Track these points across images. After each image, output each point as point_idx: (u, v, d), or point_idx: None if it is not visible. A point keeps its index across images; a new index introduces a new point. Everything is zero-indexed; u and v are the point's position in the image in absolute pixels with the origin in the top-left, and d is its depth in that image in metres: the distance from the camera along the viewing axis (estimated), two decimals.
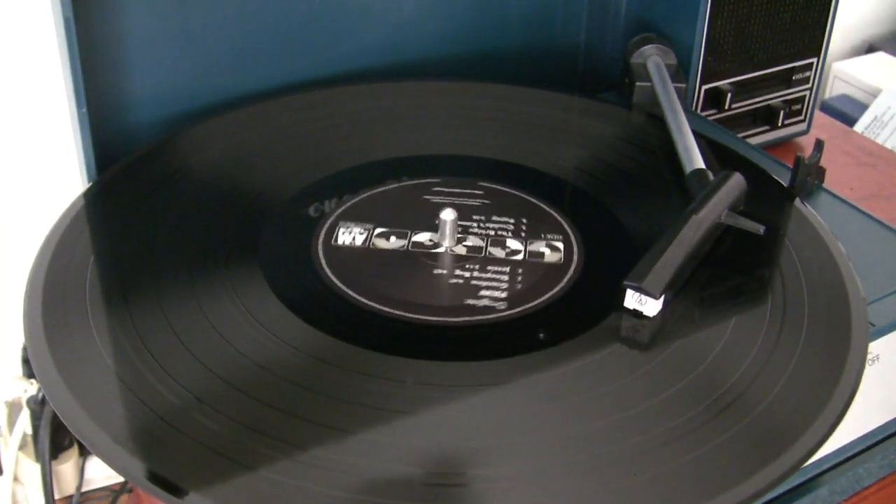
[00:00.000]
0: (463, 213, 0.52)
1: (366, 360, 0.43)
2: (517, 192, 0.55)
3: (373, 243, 0.50)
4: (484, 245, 0.50)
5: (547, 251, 0.50)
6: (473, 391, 0.42)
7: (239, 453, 0.38)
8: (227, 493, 0.36)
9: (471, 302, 0.46)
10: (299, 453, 0.38)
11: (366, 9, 0.65)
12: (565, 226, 0.52)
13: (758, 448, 0.39)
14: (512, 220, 0.52)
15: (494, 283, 0.47)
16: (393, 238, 0.51)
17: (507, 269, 0.49)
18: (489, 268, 0.49)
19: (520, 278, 0.48)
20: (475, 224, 0.52)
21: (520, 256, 0.49)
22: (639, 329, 0.45)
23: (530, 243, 0.50)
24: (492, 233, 0.51)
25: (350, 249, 0.50)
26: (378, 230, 0.51)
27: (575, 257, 0.50)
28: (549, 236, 0.50)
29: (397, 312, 0.46)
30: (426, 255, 0.50)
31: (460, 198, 0.54)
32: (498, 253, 0.50)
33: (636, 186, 0.57)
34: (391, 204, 0.54)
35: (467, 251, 0.50)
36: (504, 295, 0.47)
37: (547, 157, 0.59)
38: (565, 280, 0.48)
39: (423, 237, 0.51)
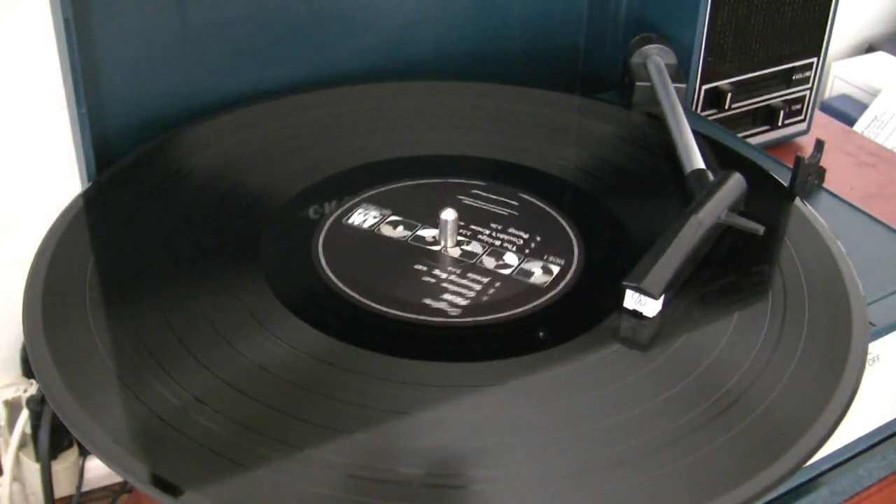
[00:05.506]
0: (483, 218, 0.52)
1: (365, 361, 0.43)
2: (549, 209, 0.53)
3: (379, 229, 0.51)
4: (481, 253, 0.50)
5: (538, 272, 0.48)
6: (473, 392, 0.42)
7: (238, 454, 0.38)
8: (225, 494, 0.36)
9: (427, 301, 0.46)
10: (297, 454, 0.38)
11: (366, 9, 0.65)
12: (574, 247, 0.51)
13: (758, 448, 0.39)
14: (526, 236, 0.51)
15: (462, 290, 0.47)
16: (400, 228, 0.51)
17: (487, 280, 0.48)
18: (469, 275, 0.48)
19: (491, 291, 0.47)
20: (488, 231, 0.51)
21: (508, 271, 0.48)
22: (638, 330, 0.45)
23: (527, 261, 0.49)
24: (497, 243, 0.51)
25: (353, 232, 0.50)
26: (391, 217, 0.51)
27: (575, 257, 0.50)
28: (551, 259, 0.49)
29: (399, 314, 0.46)
30: (420, 251, 0.50)
31: (492, 204, 0.53)
32: (489, 263, 0.49)
33: (636, 186, 0.57)
34: (422, 197, 0.54)
35: (461, 255, 0.50)
36: (464, 303, 0.46)
37: (546, 156, 0.59)
38: (565, 281, 0.48)
39: (427, 233, 0.51)
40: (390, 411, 0.40)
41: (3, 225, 0.70)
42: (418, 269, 0.49)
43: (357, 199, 0.54)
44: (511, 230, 0.52)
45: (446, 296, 0.47)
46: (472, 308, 0.46)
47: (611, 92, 0.71)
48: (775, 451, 0.39)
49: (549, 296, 0.47)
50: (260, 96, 0.62)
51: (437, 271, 0.49)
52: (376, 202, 0.53)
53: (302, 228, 0.51)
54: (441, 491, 0.37)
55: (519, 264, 0.49)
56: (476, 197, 0.54)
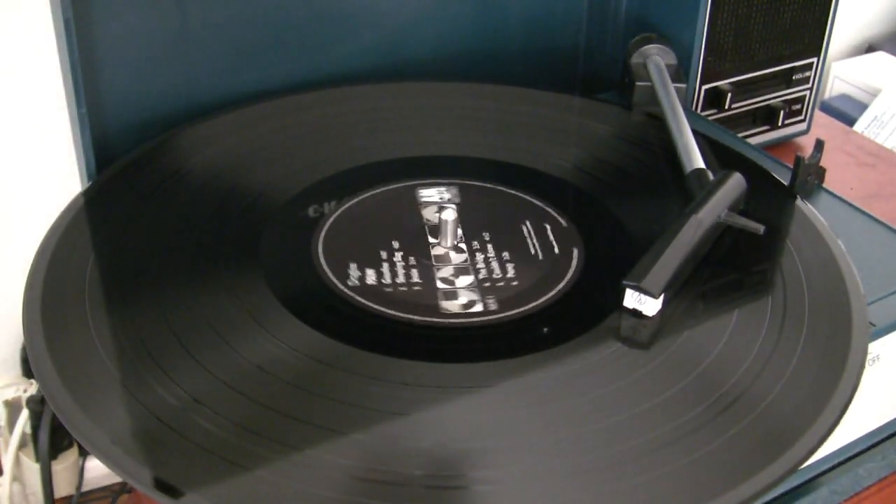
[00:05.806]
0: (507, 245, 0.51)
1: (365, 362, 0.43)
2: (574, 264, 0.50)
3: (423, 208, 0.53)
4: (452, 263, 0.49)
5: (461, 301, 0.47)
6: (473, 392, 0.42)
7: (237, 455, 0.38)
8: (225, 495, 0.36)
9: (351, 265, 0.48)
10: (297, 455, 0.38)
11: (366, 9, 0.65)
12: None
13: (758, 448, 0.39)
14: (510, 276, 0.48)
15: (384, 273, 0.48)
16: (438, 215, 0.52)
17: (416, 280, 0.47)
18: (413, 270, 0.48)
19: (402, 289, 0.47)
20: (492, 255, 0.50)
21: (442, 286, 0.48)
22: (638, 329, 0.45)
23: (468, 290, 0.47)
24: (479, 266, 0.49)
25: (406, 202, 0.54)
26: (448, 205, 0.53)
27: (575, 257, 0.50)
28: (488, 300, 0.47)
29: (398, 314, 0.46)
30: (418, 237, 0.51)
31: (537, 239, 0.51)
32: (443, 273, 0.48)
33: (636, 186, 0.57)
34: (498, 203, 0.55)
35: (440, 255, 0.50)
36: (370, 283, 0.47)
37: (546, 157, 0.59)
38: (566, 280, 0.48)
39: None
40: (390, 412, 0.40)
41: (3, 225, 0.70)
42: (392, 246, 0.50)
43: (455, 181, 0.55)
44: (508, 265, 0.49)
45: (368, 270, 0.48)
46: (362, 289, 0.47)
47: (611, 92, 0.71)
48: (775, 450, 0.39)
49: (437, 320, 0.46)
50: (260, 96, 0.62)
51: (397, 254, 0.49)
52: (463, 190, 0.55)
53: (302, 228, 0.51)
54: (441, 492, 0.37)
55: (457, 288, 0.48)
56: (537, 227, 0.52)
